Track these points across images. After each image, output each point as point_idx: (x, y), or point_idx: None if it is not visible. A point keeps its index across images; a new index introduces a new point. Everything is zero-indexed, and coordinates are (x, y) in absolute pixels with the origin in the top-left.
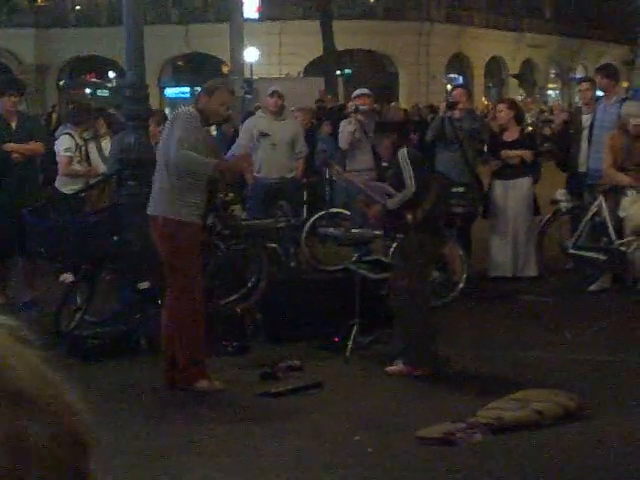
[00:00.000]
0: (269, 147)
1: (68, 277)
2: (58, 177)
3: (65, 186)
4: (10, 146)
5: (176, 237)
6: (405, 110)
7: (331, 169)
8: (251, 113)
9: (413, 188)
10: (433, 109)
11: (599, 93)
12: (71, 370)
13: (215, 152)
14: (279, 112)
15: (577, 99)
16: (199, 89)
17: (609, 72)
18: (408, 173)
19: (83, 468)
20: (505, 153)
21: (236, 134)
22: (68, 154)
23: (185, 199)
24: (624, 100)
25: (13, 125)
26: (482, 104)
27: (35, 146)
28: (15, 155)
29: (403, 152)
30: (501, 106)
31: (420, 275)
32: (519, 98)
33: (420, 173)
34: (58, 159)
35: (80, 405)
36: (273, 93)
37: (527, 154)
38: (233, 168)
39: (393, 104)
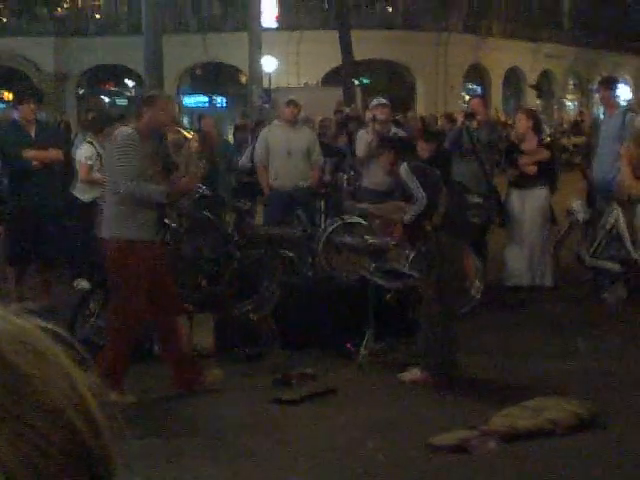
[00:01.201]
0: (285, 156)
1: (83, 283)
2: (77, 184)
3: (84, 194)
4: (30, 153)
5: (126, 257)
6: (422, 118)
7: (346, 207)
8: (260, 122)
9: (424, 200)
10: (451, 119)
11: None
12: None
13: (161, 164)
14: (295, 121)
15: (596, 110)
16: (217, 98)
17: (611, 85)
18: (415, 185)
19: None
20: (523, 160)
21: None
22: (90, 162)
23: (135, 218)
24: (627, 111)
25: (32, 133)
26: (499, 115)
27: (54, 153)
28: (35, 163)
29: (404, 167)
30: (520, 115)
31: (443, 282)
32: (537, 109)
33: (426, 181)
34: (78, 167)
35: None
36: (289, 102)
37: (544, 155)
38: (182, 191)
39: (410, 113)
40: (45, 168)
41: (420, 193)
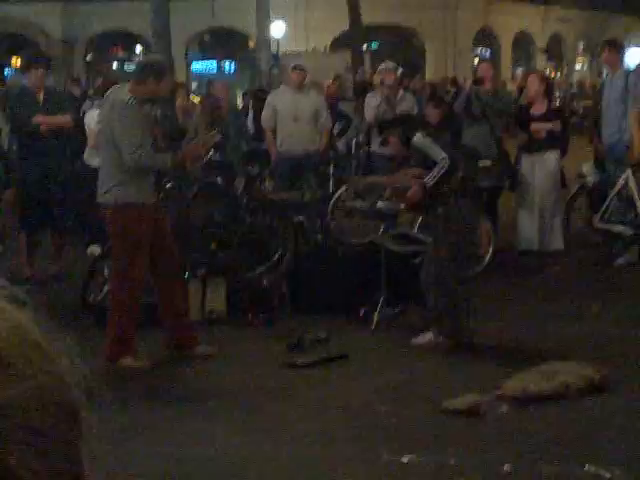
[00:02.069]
0: (292, 121)
1: (95, 249)
2: (87, 150)
3: (94, 159)
4: (39, 118)
5: (125, 221)
6: (432, 84)
7: (352, 182)
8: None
9: (447, 160)
10: (456, 84)
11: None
12: (97, 342)
13: (161, 128)
14: (301, 86)
15: (605, 73)
16: (226, 63)
17: (615, 46)
18: (434, 149)
19: (71, 437)
20: (535, 126)
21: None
22: (99, 127)
23: (131, 183)
24: (630, 73)
25: (41, 99)
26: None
27: (63, 119)
28: (43, 128)
29: (418, 136)
30: (532, 77)
31: (459, 244)
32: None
33: (444, 144)
34: (88, 132)
35: (73, 371)
36: (295, 67)
37: (556, 124)
38: (187, 159)
39: (417, 77)
40: (54, 133)
41: (441, 155)
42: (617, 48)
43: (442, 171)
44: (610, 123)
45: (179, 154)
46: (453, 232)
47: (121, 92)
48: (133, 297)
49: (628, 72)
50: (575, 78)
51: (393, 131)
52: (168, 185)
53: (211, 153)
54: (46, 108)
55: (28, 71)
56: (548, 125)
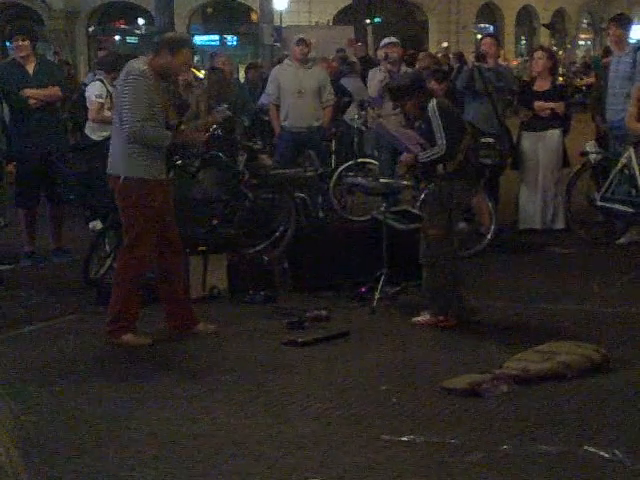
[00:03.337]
0: (296, 96)
1: (97, 224)
2: (88, 123)
3: (95, 132)
4: (27, 92)
5: (136, 195)
6: (435, 58)
7: (367, 113)
8: (280, 62)
9: (444, 147)
10: (461, 58)
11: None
12: (100, 317)
13: (172, 105)
14: (305, 60)
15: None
16: (228, 37)
17: (622, 22)
18: (438, 129)
19: None
20: (538, 105)
21: (264, 81)
22: (100, 100)
23: (143, 157)
24: (638, 49)
25: (31, 71)
26: (509, 58)
27: (53, 91)
28: (33, 101)
29: (433, 104)
30: (540, 53)
31: (448, 224)
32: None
33: (451, 125)
34: (89, 105)
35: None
36: (299, 41)
37: (560, 106)
38: (188, 140)
39: (422, 54)
40: (46, 106)
41: (442, 139)
42: (624, 25)
43: (434, 157)
44: (616, 101)
45: (178, 135)
46: (442, 212)
47: (137, 62)
48: (138, 273)
49: (637, 48)
50: (580, 54)
51: (407, 97)
52: (178, 162)
53: (213, 127)
54: (37, 80)
55: (15, 42)
56: (551, 105)
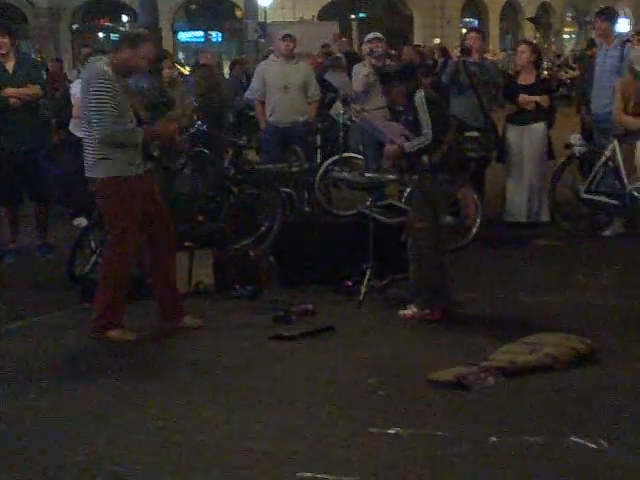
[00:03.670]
0: (282, 91)
1: (82, 221)
2: (72, 120)
3: (79, 129)
4: (7, 91)
5: (116, 194)
6: (420, 52)
7: (350, 108)
8: (266, 57)
9: (430, 136)
10: (445, 52)
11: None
12: (84, 314)
13: (137, 100)
14: (291, 56)
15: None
16: (213, 33)
17: (608, 16)
18: (425, 118)
19: None
20: (523, 99)
21: (248, 78)
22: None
23: (118, 155)
24: (625, 42)
25: (10, 69)
26: (494, 52)
27: (32, 89)
28: (13, 100)
29: (420, 95)
30: (524, 47)
31: (434, 217)
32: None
33: (438, 116)
34: (74, 102)
35: None
36: (285, 37)
37: (544, 100)
38: (160, 134)
39: (406, 48)
40: (26, 105)
41: (428, 128)
42: (610, 18)
43: (420, 145)
44: (602, 94)
45: (149, 132)
46: (428, 206)
47: (98, 63)
48: (124, 270)
49: (624, 42)
50: (568, 48)
51: (400, 81)
52: (155, 153)
53: (199, 123)
54: (17, 78)
55: None
56: (536, 98)
